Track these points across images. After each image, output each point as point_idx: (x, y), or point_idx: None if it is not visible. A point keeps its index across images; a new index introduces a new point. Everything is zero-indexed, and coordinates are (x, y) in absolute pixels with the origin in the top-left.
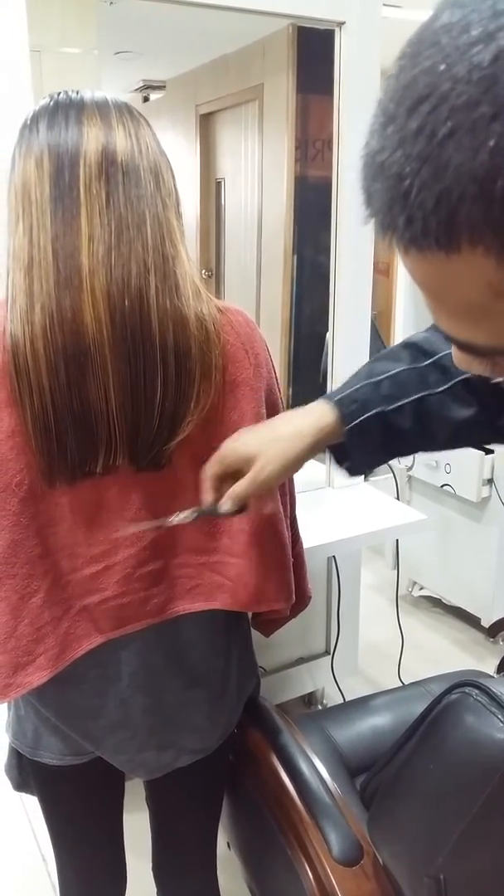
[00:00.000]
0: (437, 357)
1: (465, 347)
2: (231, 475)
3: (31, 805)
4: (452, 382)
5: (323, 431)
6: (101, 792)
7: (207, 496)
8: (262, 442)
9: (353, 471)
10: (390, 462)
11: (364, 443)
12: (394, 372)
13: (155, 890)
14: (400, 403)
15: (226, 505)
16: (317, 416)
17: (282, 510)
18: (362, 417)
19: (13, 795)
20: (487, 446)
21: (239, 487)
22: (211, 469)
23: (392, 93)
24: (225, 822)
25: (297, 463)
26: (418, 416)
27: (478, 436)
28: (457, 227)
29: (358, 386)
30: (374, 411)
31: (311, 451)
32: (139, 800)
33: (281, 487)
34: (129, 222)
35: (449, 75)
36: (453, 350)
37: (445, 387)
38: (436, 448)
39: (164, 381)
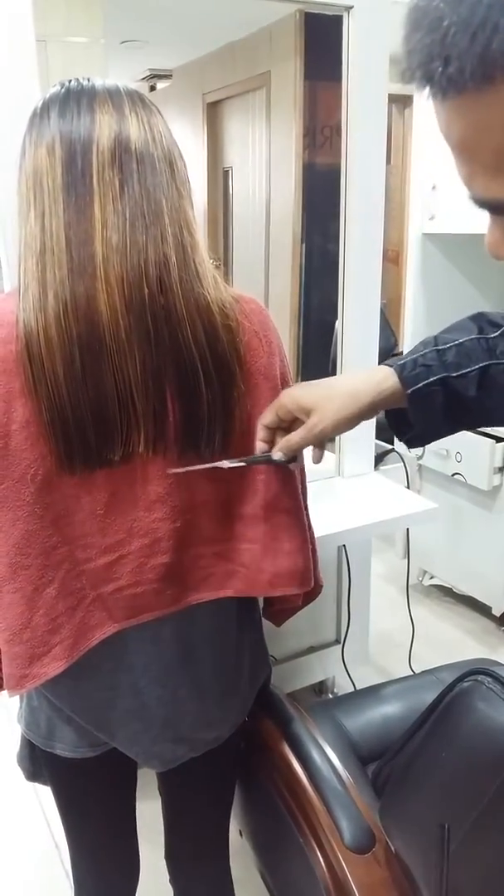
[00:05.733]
0: None
1: (498, 208)
2: (285, 427)
3: (43, 792)
4: None
5: (383, 394)
6: (114, 783)
7: (260, 444)
8: (320, 396)
9: (414, 441)
10: (400, 450)
11: (426, 409)
12: (460, 341)
13: (168, 878)
14: (465, 371)
15: (277, 454)
16: (379, 377)
17: (301, 497)
18: (426, 381)
19: (26, 782)
20: (498, 434)
21: (294, 438)
22: (266, 418)
23: None
24: (237, 811)
25: (352, 421)
26: (484, 385)
27: None
28: (490, 59)
29: (424, 352)
30: (437, 376)
31: (369, 412)
32: (151, 788)
33: (301, 474)
34: (145, 210)
35: None
36: (487, 235)
37: None
38: (500, 422)
39: (203, 369)
